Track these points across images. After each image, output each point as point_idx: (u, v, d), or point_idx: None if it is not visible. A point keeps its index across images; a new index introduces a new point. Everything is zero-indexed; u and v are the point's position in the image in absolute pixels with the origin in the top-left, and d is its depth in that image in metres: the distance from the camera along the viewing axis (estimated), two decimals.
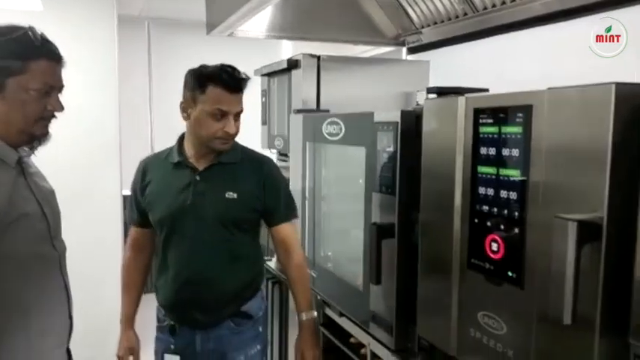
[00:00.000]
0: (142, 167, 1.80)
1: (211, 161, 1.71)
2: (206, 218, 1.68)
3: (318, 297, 2.33)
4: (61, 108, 1.39)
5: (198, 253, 1.69)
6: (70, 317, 1.50)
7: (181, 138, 1.77)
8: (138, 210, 1.79)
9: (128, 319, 1.84)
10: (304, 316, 1.83)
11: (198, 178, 1.69)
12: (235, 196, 1.69)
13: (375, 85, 2.59)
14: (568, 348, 1.04)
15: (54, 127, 1.43)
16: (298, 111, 2.41)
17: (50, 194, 1.50)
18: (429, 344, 1.51)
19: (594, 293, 0.97)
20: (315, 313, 1.90)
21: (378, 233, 1.61)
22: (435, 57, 2.77)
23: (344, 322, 2.12)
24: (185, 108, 1.67)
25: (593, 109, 0.99)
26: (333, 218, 2.26)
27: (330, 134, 2.06)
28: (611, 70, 1.62)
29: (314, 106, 2.51)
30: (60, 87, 1.40)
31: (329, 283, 2.17)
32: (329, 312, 2.27)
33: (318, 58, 2.54)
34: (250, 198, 1.73)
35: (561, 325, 1.03)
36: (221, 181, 1.70)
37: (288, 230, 1.85)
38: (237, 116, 1.67)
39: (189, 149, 1.73)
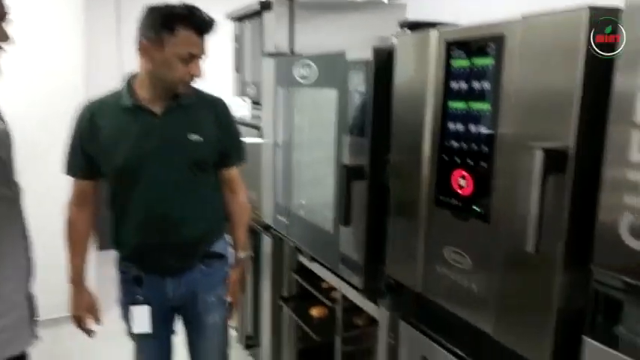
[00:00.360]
0: (88, 114, 1.64)
1: (169, 104, 1.63)
2: (172, 162, 1.63)
3: (291, 244, 2.33)
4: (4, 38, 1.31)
5: (166, 198, 1.64)
6: (29, 260, 1.45)
7: (129, 80, 1.65)
8: (85, 160, 1.65)
9: (80, 277, 1.74)
10: (242, 254, 1.89)
11: (157, 122, 1.62)
12: (199, 138, 1.63)
13: (352, 29, 2.52)
14: (531, 279, 1.05)
15: (20, 88, 1.32)
16: (270, 55, 2.33)
17: (4, 135, 1.43)
18: (396, 283, 1.53)
19: (559, 223, 0.97)
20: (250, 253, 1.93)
21: (348, 175, 1.59)
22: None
23: (315, 267, 2.13)
24: (147, 50, 1.54)
25: (566, 35, 0.96)
26: (306, 165, 2.23)
27: (302, 77, 2.01)
28: None
29: (287, 53, 2.44)
30: None
31: (301, 230, 2.16)
32: (301, 258, 2.29)
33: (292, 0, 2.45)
34: (213, 139, 1.68)
35: (525, 257, 1.04)
36: (183, 123, 1.64)
37: (235, 172, 1.83)
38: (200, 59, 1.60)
39: (142, 92, 1.61)
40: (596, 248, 0.91)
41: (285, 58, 2.19)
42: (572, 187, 0.96)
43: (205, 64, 1.63)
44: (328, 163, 1.85)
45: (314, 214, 2.09)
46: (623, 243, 0.86)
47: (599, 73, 0.92)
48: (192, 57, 1.55)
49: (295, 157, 2.23)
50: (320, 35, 2.51)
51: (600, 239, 0.91)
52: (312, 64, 1.91)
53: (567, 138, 0.95)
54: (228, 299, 1.85)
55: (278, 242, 2.48)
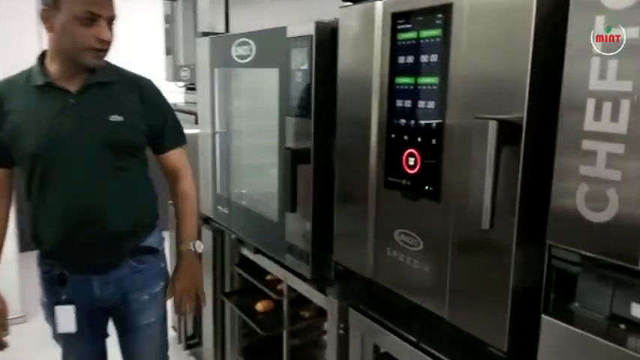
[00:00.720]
0: None
1: (85, 81, 1.46)
2: (91, 146, 1.45)
3: (233, 236, 2.22)
4: None
5: (87, 186, 1.47)
6: None
7: (42, 57, 1.48)
8: None
9: None
10: (184, 246, 1.69)
11: (73, 101, 1.44)
12: (122, 118, 1.47)
13: (292, 7, 2.41)
14: (485, 258, 1.01)
15: None
16: (204, 34, 2.19)
17: None
18: (345, 270, 1.46)
19: (512, 197, 0.93)
20: (199, 245, 1.74)
21: (292, 158, 1.50)
22: None
23: (260, 260, 2.03)
24: (47, 17, 1.38)
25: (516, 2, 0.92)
26: (248, 152, 2.12)
27: (240, 57, 1.89)
28: None
29: (223, 32, 2.31)
30: None
31: (244, 221, 2.06)
32: (244, 251, 2.18)
33: None
34: (137, 120, 1.52)
35: (478, 235, 1.00)
36: (102, 103, 1.47)
37: (178, 157, 1.67)
38: (110, 23, 1.43)
39: (55, 69, 1.45)
40: (551, 222, 0.88)
41: (222, 37, 2.06)
42: (525, 160, 0.93)
43: (117, 29, 1.46)
44: (271, 148, 1.75)
45: (257, 203, 1.99)
46: (580, 215, 0.83)
47: (551, 38, 0.89)
48: (97, 18, 1.38)
49: (235, 143, 2.12)
50: (257, 14, 2.40)
51: (556, 213, 0.87)
52: (251, 42, 1.80)
53: (520, 109, 0.91)
54: (169, 298, 1.70)
55: (218, 235, 2.36)
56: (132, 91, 1.55)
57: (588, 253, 0.83)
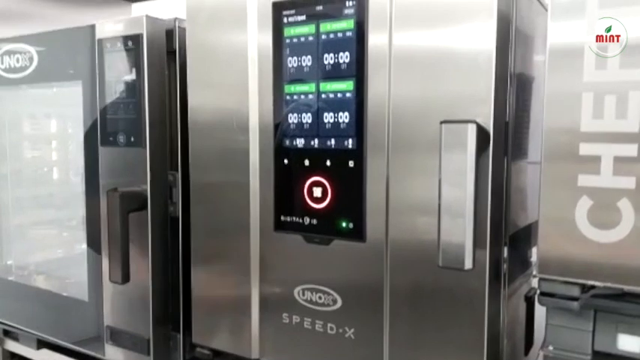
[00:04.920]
0: None
1: None
2: None
3: None
4: None
5: None
6: None
7: None
8: None
9: None
10: None
11: None
12: None
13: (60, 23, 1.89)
14: (450, 304, 0.78)
15: None
16: None
17: None
18: (213, 353, 1.06)
19: (491, 221, 0.73)
20: None
21: (122, 204, 1.04)
22: None
23: (49, 356, 1.41)
24: None
25: None
26: (24, 205, 1.50)
27: (10, 70, 1.32)
28: None
29: None
30: None
31: (20, 303, 1.41)
32: (15, 346, 1.51)
33: None
34: None
35: (440, 278, 0.77)
36: None
37: None
38: None
39: None
40: (542, 251, 0.71)
41: None
42: (494, 172, 0.75)
43: None
44: (70, 194, 1.24)
45: (46, 276, 1.40)
46: (582, 236, 0.68)
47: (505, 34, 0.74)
48: None
49: (1, 195, 1.48)
50: (13, 29, 1.79)
51: (548, 238, 0.70)
52: (30, 48, 1.27)
53: (483, 110, 0.73)
54: None
55: None
56: None
57: (596, 283, 0.68)
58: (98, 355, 1.22)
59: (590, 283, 0.68)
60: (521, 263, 0.96)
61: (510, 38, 0.80)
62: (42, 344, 1.44)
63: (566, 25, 0.68)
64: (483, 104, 0.73)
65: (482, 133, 0.70)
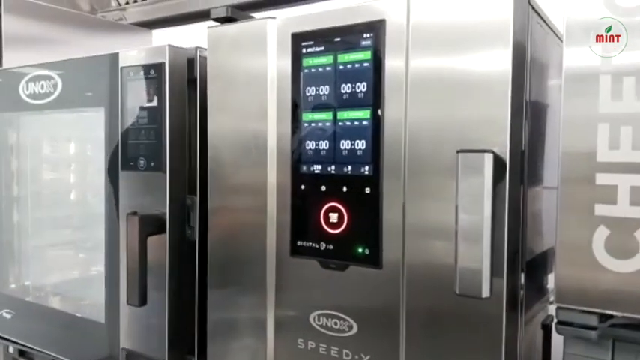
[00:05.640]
0: None
1: None
2: None
3: (11, 348, 1.54)
4: None
5: None
6: None
7: None
8: None
9: None
10: None
11: None
12: None
13: (84, 48, 1.94)
14: (466, 331, 0.78)
15: None
16: None
17: None
18: None
19: (509, 250, 0.74)
20: None
21: (141, 227, 1.06)
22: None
23: None
24: None
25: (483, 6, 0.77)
26: (43, 227, 1.53)
27: (34, 96, 1.37)
28: None
29: None
30: None
31: (37, 325, 1.43)
32: None
33: None
34: None
35: (456, 304, 0.77)
36: None
37: None
38: None
39: None
40: (560, 279, 0.71)
41: (3, 71, 1.50)
42: (510, 200, 0.75)
43: None
44: (87, 216, 1.26)
45: (62, 298, 1.42)
46: (600, 266, 0.68)
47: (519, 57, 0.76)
48: None
49: (19, 217, 1.51)
50: (40, 54, 1.85)
51: (565, 267, 0.70)
52: (55, 75, 1.31)
53: (499, 138, 0.74)
54: None
55: None
56: None
57: (614, 312, 0.68)
58: None
59: (608, 312, 0.68)
60: (537, 290, 0.96)
61: (526, 66, 0.82)
62: None
63: (580, 51, 0.69)
64: (500, 132, 0.74)
65: (498, 162, 0.72)
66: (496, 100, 0.75)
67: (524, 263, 0.83)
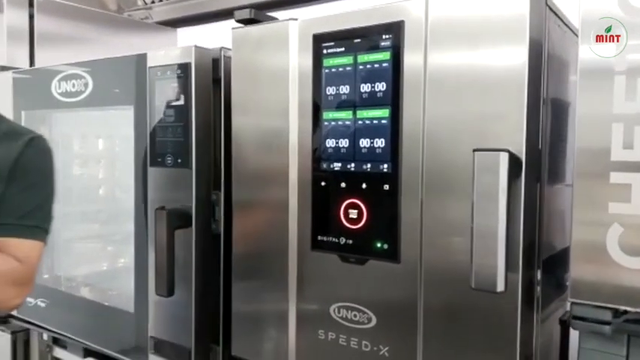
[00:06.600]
0: None
1: None
2: None
3: (46, 335, 1.62)
4: None
5: None
6: None
7: None
8: None
9: None
10: None
11: None
12: None
13: (111, 47, 2.00)
14: (481, 325, 0.81)
15: None
16: (3, 68, 1.64)
17: None
18: None
19: (522, 247, 0.76)
20: None
21: (169, 221, 1.11)
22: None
23: None
24: None
25: (498, 16, 0.79)
26: (76, 220, 1.60)
27: (66, 95, 1.43)
28: None
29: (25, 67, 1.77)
30: None
31: (70, 314, 1.50)
32: (63, 354, 1.60)
33: (31, 2, 1.81)
34: None
35: (473, 299, 0.79)
36: None
37: (24, 248, 1.02)
38: None
39: None
40: (575, 276, 0.73)
41: (35, 71, 1.56)
42: (527, 198, 0.77)
43: None
44: (116, 210, 1.32)
45: (94, 288, 1.48)
46: (614, 262, 0.69)
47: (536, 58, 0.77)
48: None
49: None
50: (73, 53, 1.92)
51: (580, 264, 0.72)
52: (86, 74, 1.37)
53: (514, 139, 0.76)
54: None
55: (21, 337, 1.70)
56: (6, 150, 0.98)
57: (628, 308, 0.69)
58: None
59: (622, 308, 0.70)
60: (557, 286, 0.97)
61: (543, 64, 0.83)
62: (88, 353, 1.52)
63: (594, 48, 0.70)
64: (516, 129, 0.76)
65: (514, 160, 0.73)
66: (512, 97, 0.77)
67: (540, 260, 0.85)
